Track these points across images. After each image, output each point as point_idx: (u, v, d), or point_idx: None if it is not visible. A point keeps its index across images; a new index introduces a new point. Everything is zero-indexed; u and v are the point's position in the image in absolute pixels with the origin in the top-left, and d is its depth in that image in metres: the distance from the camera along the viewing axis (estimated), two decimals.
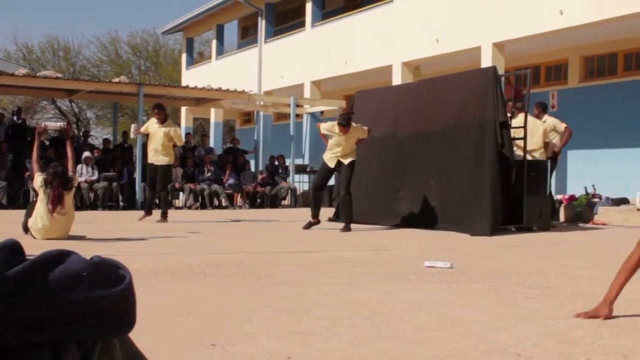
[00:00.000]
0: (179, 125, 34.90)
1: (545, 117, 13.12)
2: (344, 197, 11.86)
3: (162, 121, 13.47)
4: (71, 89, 21.30)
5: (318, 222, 11.81)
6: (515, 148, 11.69)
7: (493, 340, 3.66)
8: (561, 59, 21.31)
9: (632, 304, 4.84)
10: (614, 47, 19.74)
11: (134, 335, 2.08)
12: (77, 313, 1.61)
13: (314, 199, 12.08)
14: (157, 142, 13.36)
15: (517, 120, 11.93)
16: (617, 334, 3.89)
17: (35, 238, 9.09)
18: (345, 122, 11.72)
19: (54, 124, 10.19)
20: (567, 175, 13.05)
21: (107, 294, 1.66)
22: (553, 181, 13.23)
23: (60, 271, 1.63)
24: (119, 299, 1.69)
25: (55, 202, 9.26)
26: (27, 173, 16.59)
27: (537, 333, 3.86)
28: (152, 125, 13.57)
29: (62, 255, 1.69)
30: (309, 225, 11.73)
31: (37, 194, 9.64)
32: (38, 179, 9.44)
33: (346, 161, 11.81)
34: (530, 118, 12.25)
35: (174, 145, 13.63)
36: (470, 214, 11.02)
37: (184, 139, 13.70)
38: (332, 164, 11.91)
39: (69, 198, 9.46)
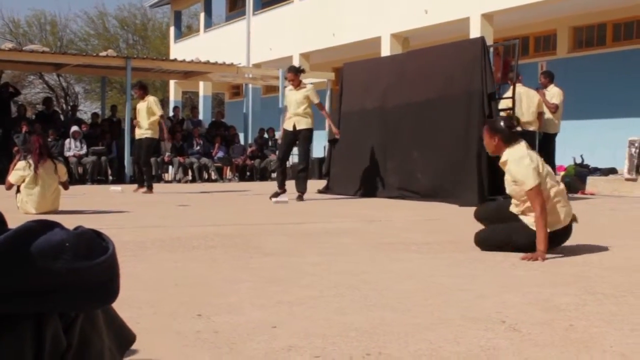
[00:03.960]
0: (167, 98, 34.89)
1: (551, 86, 13.05)
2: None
3: (142, 97, 14.06)
4: (58, 63, 21.17)
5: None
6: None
7: (478, 308, 3.69)
8: (550, 29, 21.30)
9: (613, 271, 4.88)
10: (603, 17, 19.73)
11: (121, 306, 2.09)
12: (60, 284, 1.62)
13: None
14: (141, 117, 13.93)
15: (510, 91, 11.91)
16: (600, 300, 3.92)
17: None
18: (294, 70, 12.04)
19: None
20: (556, 145, 13.05)
21: (90, 265, 1.66)
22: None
23: (42, 242, 1.63)
24: (102, 269, 1.70)
25: (38, 154, 9.26)
26: (15, 147, 16.57)
27: (522, 301, 3.89)
28: (138, 106, 14.27)
29: (44, 226, 1.69)
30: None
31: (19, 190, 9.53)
32: (18, 166, 9.42)
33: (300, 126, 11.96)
34: (524, 89, 12.24)
35: (161, 117, 13.88)
36: (458, 185, 11.05)
37: (159, 111, 13.79)
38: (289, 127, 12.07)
39: (50, 171, 9.41)
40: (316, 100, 12.02)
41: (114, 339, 1.95)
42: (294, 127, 11.87)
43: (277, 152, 12.55)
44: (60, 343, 1.70)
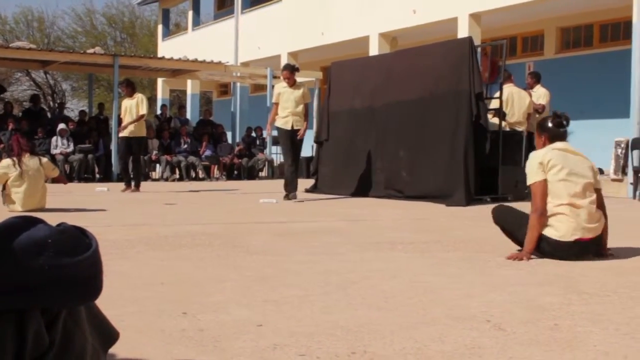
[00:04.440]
0: (155, 96, 34.83)
1: (538, 87, 13.11)
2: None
3: (130, 95, 13.99)
4: (45, 60, 21.09)
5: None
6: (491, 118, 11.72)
7: (463, 307, 3.71)
8: (537, 30, 21.36)
9: (598, 271, 4.90)
10: (590, 18, 19.81)
11: (106, 304, 2.08)
12: (43, 280, 1.61)
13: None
14: (129, 115, 13.87)
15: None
16: (585, 300, 3.94)
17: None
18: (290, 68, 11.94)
19: None
20: None
21: (73, 262, 1.66)
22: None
23: (25, 238, 1.62)
24: (85, 266, 1.69)
25: (18, 148, 9.26)
26: (2, 145, 16.55)
27: (507, 300, 3.91)
28: (124, 103, 14.11)
29: (28, 222, 1.69)
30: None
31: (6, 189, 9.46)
32: (3, 163, 9.40)
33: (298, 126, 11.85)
34: (516, 89, 12.26)
35: (142, 116, 13.77)
36: (445, 185, 11.06)
37: (142, 110, 13.70)
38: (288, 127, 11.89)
39: (36, 167, 9.39)
40: (309, 101, 12.01)
41: (98, 336, 1.94)
42: (292, 126, 11.76)
43: (283, 155, 12.30)
44: (42, 339, 1.69)
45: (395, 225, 8.09)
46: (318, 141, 14.34)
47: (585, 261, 5.30)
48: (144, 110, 13.78)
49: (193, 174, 20.02)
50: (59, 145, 18.32)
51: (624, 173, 13.27)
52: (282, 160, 13.20)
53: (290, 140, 11.81)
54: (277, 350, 2.90)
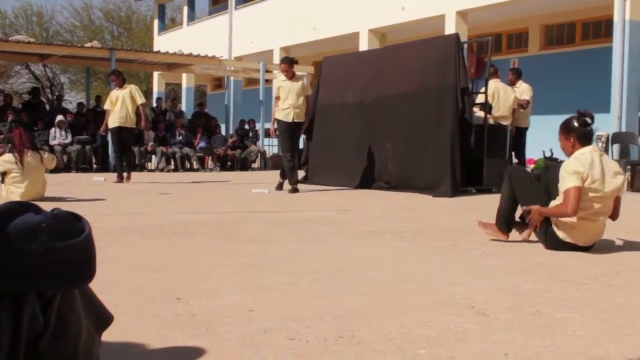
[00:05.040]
0: (151, 89, 34.81)
1: (520, 82, 13.25)
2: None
3: (121, 85, 13.84)
4: (44, 53, 21.13)
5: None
6: (479, 113, 11.84)
7: (449, 294, 3.79)
8: (522, 27, 21.67)
9: (578, 260, 5.00)
10: (573, 16, 20.12)
11: (101, 290, 2.18)
12: (37, 264, 1.68)
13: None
14: (118, 105, 13.68)
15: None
16: (565, 287, 4.04)
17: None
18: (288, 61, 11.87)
19: None
20: (526, 139, 13.33)
21: (66, 245, 1.72)
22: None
23: (19, 223, 1.69)
24: (79, 250, 1.76)
25: (19, 145, 9.26)
26: (2, 136, 16.61)
27: (491, 287, 4.00)
28: (114, 94, 13.91)
29: (22, 208, 1.77)
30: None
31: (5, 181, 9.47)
32: (5, 157, 9.43)
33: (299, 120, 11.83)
34: (502, 84, 12.37)
35: (138, 106, 13.72)
36: (432, 176, 11.15)
37: (141, 99, 13.68)
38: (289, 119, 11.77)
39: (37, 163, 9.43)
40: (309, 92, 12.02)
41: (92, 319, 1.98)
42: (293, 119, 11.66)
43: (281, 148, 12.22)
44: (37, 321, 1.75)
45: (384, 215, 8.16)
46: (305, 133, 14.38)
47: (566, 251, 5.39)
48: (142, 99, 13.79)
49: (188, 165, 20.11)
50: (57, 136, 18.41)
51: None
52: (274, 152, 13.17)
53: (289, 132, 11.73)
54: (268, 334, 2.97)
